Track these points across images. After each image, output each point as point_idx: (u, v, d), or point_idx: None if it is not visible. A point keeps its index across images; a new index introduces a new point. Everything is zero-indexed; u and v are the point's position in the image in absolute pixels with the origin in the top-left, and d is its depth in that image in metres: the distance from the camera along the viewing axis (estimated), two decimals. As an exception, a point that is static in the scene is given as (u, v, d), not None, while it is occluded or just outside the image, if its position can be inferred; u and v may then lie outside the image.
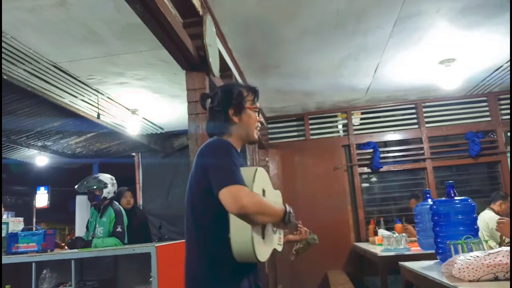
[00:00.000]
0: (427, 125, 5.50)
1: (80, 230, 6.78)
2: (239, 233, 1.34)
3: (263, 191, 1.49)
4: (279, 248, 1.65)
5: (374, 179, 5.67)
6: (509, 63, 4.38)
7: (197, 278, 1.43)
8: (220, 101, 1.61)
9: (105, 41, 3.22)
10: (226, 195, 1.29)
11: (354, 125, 5.69)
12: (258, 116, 1.65)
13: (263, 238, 1.44)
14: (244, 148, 5.18)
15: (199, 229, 1.44)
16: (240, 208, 1.26)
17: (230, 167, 1.36)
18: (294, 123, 5.85)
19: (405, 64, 4.24)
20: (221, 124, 1.59)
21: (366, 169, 5.53)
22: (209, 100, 1.66)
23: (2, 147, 5.35)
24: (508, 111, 5.26)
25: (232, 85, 1.73)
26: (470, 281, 1.47)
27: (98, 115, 4.66)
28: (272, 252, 1.56)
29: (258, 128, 1.66)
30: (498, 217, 3.87)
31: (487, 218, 3.85)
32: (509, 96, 5.17)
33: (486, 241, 2.25)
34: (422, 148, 5.44)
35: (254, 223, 1.33)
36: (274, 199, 1.67)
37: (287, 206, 1.47)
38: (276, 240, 1.61)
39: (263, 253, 1.40)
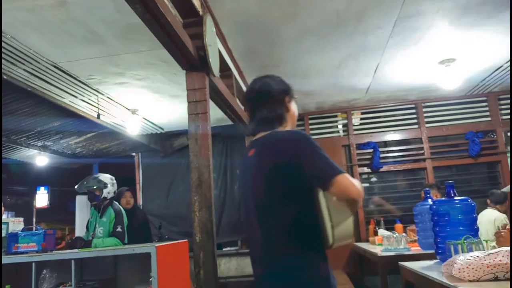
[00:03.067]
0: (427, 125, 5.50)
1: (80, 230, 6.77)
2: (341, 218, 1.43)
3: None
4: None
5: (374, 179, 5.67)
6: (509, 63, 4.38)
7: (304, 266, 1.42)
8: (270, 89, 1.62)
9: (105, 41, 3.21)
10: (340, 185, 1.33)
11: (354, 125, 5.69)
12: None
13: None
14: (244, 147, 5.18)
15: (294, 222, 1.43)
16: (358, 195, 1.33)
17: (327, 157, 1.41)
18: (294, 123, 5.84)
19: (405, 64, 4.24)
20: (281, 113, 1.60)
21: (366, 169, 5.53)
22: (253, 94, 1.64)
23: (2, 147, 5.35)
24: (508, 111, 5.25)
25: (279, 78, 1.73)
26: (470, 281, 1.47)
27: (98, 115, 4.66)
28: None
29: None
30: (504, 215, 3.86)
31: (493, 217, 3.83)
32: (509, 96, 5.17)
33: (487, 241, 2.24)
34: (422, 148, 5.44)
35: (356, 209, 1.43)
36: None
37: None
38: None
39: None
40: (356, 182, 1.34)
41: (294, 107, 1.67)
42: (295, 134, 1.49)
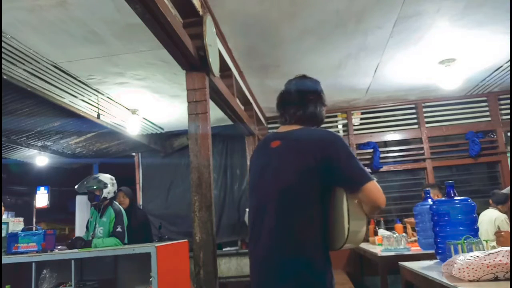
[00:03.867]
0: (427, 125, 5.50)
1: (80, 230, 6.78)
2: (358, 223, 1.47)
3: None
4: None
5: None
6: (509, 63, 4.38)
7: (310, 263, 1.45)
8: (322, 94, 1.70)
9: (105, 41, 3.21)
10: (371, 191, 1.42)
11: (354, 125, 5.69)
12: None
13: None
14: (244, 148, 5.18)
15: (310, 218, 1.46)
16: (383, 203, 1.43)
17: (359, 162, 1.49)
18: (294, 123, 5.84)
19: (405, 64, 4.24)
20: (323, 117, 1.69)
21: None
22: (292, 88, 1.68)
23: (2, 147, 5.34)
24: (508, 111, 5.26)
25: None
26: (470, 281, 1.47)
27: (98, 115, 4.66)
28: None
29: None
30: (505, 215, 3.86)
31: (493, 217, 3.83)
32: (509, 96, 5.17)
33: (487, 241, 2.24)
34: (422, 148, 5.44)
35: (375, 214, 1.55)
36: None
37: None
38: None
39: None
40: (381, 191, 1.43)
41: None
42: (331, 133, 1.54)
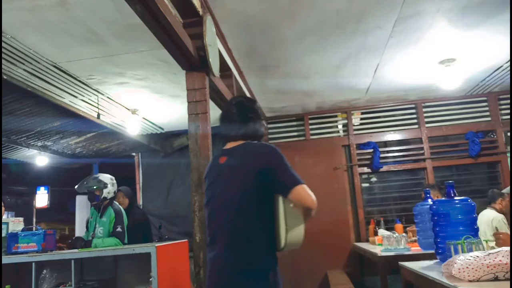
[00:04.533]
0: (427, 125, 5.50)
1: (80, 230, 6.78)
2: (295, 223, 1.64)
3: None
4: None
5: (374, 179, 5.67)
6: (509, 63, 4.38)
7: (256, 263, 1.64)
8: (258, 112, 1.90)
9: (105, 41, 3.21)
10: (300, 193, 1.59)
11: (354, 125, 5.69)
12: None
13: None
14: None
15: (256, 222, 1.65)
16: (313, 204, 1.60)
17: (292, 169, 1.67)
18: (294, 123, 5.85)
19: (405, 64, 4.24)
20: (263, 133, 1.89)
21: (366, 169, 5.53)
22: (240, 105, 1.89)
23: (2, 147, 5.35)
24: (508, 111, 5.25)
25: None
26: (470, 281, 1.47)
27: (98, 115, 4.66)
28: None
29: None
30: (502, 216, 3.86)
31: (491, 217, 3.83)
32: (509, 96, 5.17)
33: (486, 241, 2.24)
34: (422, 148, 5.44)
35: (310, 217, 1.63)
36: None
37: None
38: None
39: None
40: (312, 194, 1.60)
41: None
42: (268, 146, 1.76)
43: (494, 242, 2.52)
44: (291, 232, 1.62)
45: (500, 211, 3.97)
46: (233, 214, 1.65)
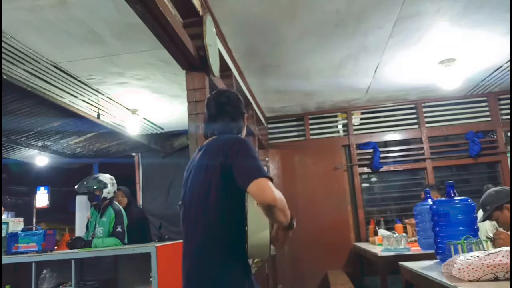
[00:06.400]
0: (427, 125, 5.50)
1: (80, 230, 6.77)
2: (258, 226, 1.39)
3: None
4: (273, 252, 1.68)
5: (374, 179, 5.67)
6: (509, 63, 4.38)
7: (224, 273, 1.47)
8: (238, 104, 1.76)
9: (105, 41, 3.21)
10: (259, 185, 1.36)
11: (354, 125, 5.69)
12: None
13: (270, 235, 1.48)
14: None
15: (219, 223, 1.49)
16: (273, 200, 1.33)
17: (258, 161, 1.48)
18: (294, 123, 5.85)
19: (405, 64, 4.24)
20: (239, 125, 1.73)
21: (366, 169, 5.53)
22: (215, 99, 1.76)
23: (2, 147, 5.34)
24: (508, 111, 5.26)
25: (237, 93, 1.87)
26: (470, 281, 1.47)
27: (98, 115, 4.66)
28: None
29: None
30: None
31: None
32: (509, 96, 5.17)
33: (486, 241, 2.24)
34: (422, 148, 5.44)
35: (275, 218, 1.37)
36: None
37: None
38: None
39: (271, 249, 1.45)
40: (275, 189, 1.37)
41: (245, 125, 1.79)
42: (232, 138, 1.59)
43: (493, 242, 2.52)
44: (253, 237, 1.39)
45: None
46: (199, 214, 1.53)
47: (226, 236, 1.48)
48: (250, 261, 1.61)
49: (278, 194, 1.36)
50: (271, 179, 1.40)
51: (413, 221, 4.07)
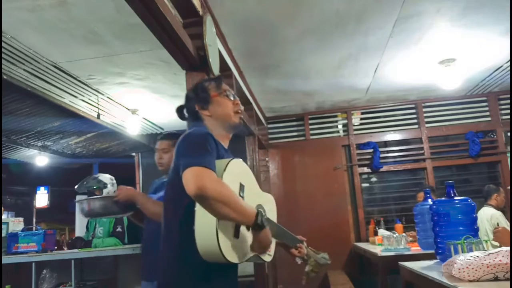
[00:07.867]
0: (427, 125, 5.50)
1: (80, 230, 6.77)
2: (204, 224, 1.23)
3: (241, 185, 1.39)
4: (268, 258, 1.56)
5: (374, 179, 5.67)
6: (509, 63, 4.37)
7: (170, 273, 1.38)
8: (187, 101, 1.64)
9: (105, 41, 3.21)
10: (188, 175, 1.20)
11: (354, 125, 5.69)
12: (234, 99, 1.65)
13: (235, 236, 1.32)
14: (244, 148, 5.18)
15: (171, 223, 1.41)
16: (199, 188, 1.16)
17: (199, 150, 1.29)
18: (294, 123, 5.85)
19: (405, 64, 4.24)
20: (195, 122, 1.59)
21: (366, 169, 5.53)
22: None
23: (2, 147, 5.34)
24: (508, 111, 5.25)
25: (196, 84, 1.72)
26: (470, 281, 1.47)
27: (98, 115, 4.66)
28: (257, 258, 1.48)
29: (238, 110, 1.64)
30: (500, 212, 3.87)
31: (489, 215, 3.84)
32: (509, 96, 5.17)
33: (486, 241, 2.24)
34: (422, 148, 5.44)
35: (215, 212, 1.21)
36: (258, 199, 1.55)
37: (262, 211, 1.36)
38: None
39: (233, 253, 1.29)
40: (208, 178, 1.19)
41: (215, 107, 1.58)
42: (190, 131, 1.44)
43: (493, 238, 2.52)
44: (198, 234, 1.23)
45: (496, 207, 3.99)
46: (164, 216, 1.46)
47: (182, 238, 1.34)
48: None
49: (210, 182, 1.18)
50: (212, 169, 1.23)
51: (414, 233, 4.08)
